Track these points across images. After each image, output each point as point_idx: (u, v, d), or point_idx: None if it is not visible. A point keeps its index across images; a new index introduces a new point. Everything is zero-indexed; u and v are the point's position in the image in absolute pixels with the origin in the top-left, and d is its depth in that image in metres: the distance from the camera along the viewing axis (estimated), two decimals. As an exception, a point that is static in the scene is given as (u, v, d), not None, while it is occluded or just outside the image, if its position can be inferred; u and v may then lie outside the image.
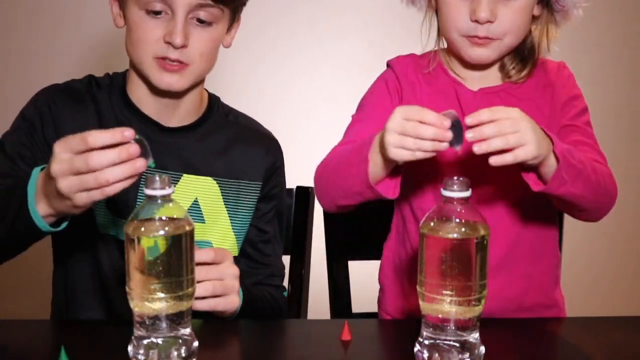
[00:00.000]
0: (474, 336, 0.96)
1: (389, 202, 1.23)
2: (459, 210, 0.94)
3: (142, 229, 0.93)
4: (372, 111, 1.31)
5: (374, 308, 1.44)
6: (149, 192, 0.93)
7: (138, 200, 1.28)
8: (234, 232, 1.37)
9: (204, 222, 1.34)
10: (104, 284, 1.31)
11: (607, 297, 2.60)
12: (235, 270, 1.16)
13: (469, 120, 1.04)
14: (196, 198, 1.33)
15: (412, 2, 1.33)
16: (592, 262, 2.60)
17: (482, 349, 0.97)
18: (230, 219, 1.36)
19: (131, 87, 1.33)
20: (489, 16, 1.21)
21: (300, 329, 1.25)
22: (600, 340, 1.13)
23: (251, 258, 1.40)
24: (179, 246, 0.94)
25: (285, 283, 1.47)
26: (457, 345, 0.95)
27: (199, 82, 1.33)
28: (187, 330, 0.97)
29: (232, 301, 1.16)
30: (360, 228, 1.55)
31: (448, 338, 0.95)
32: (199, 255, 1.10)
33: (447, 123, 1.03)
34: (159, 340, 0.95)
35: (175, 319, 0.95)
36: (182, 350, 0.96)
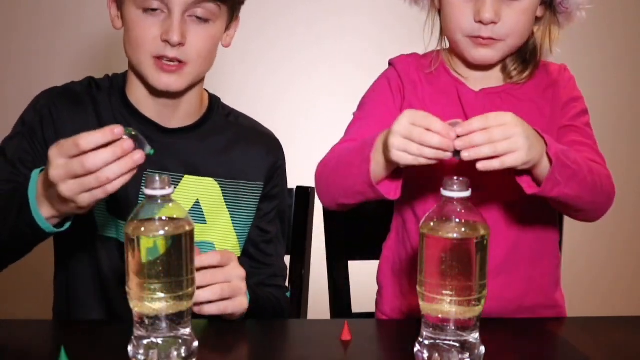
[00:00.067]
0: (474, 336, 0.96)
1: (389, 202, 1.23)
2: (459, 210, 0.94)
3: (142, 229, 0.93)
4: (373, 109, 1.31)
5: (374, 308, 1.44)
6: (149, 192, 0.93)
7: (138, 201, 1.28)
8: (235, 232, 1.37)
9: (206, 223, 1.34)
10: (104, 285, 1.31)
11: (607, 297, 2.60)
12: (241, 272, 1.16)
13: (459, 130, 1.04)
14: (197, 199, 1.33)
15: (415, 1, 1.34)
16: (592, 262, 2.60)
17: (482, 349, 0.97)
18: (231, 220, 1.36)
19: (130, 89, 1.33)
20: (493, 17, 1.21)
21: (300, 329, 1.25)
22: (600, 340, 1.13)
23: (253, 258, 1.40)
24: (179, 246, 0.94)
25: (286, 283, 1.47)
26: (457, 345, 0.95)
27: (198, 83, 1.33)
28: (187, 330, 0.97)
29: (240, 303, 1.15)
30: (360, 228, 1.55)
31: (448, 338, 0.95)
32: (205, 258, 1.10)
33: (453, 134, 1.04)
34: (159, 340, 0.95)
35: (175, 319, 0.95)
36: (182, 350, 0.96)
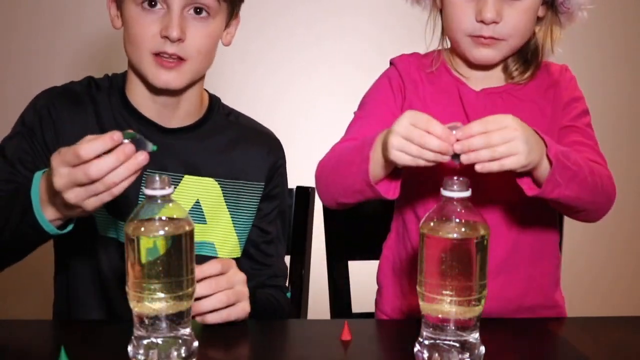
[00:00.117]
0: (474, 336, 0.96)
1: (389, 202, 1.23)
2: (459, 210, 0.94)
3: (142, 229, 0.93)
4: (374, 108, 1.31)
5: (374, 308, 1.44)
6: (149, 192, 0.93)
7: (138, 201, 1.28)
8: (236, 232, 1.37)
9: (206, 223, 1.34)
10: (104, 285, 1.31)
11: (607, 297, 2.60)
12: (242, 277, 1.15)
13: (459, 134, 1.04)
14: (197, 199, 1.33)
15: (417, 1, 1.34)
16: (592, 262, 2.60)
17: (482, 349, 0.97)
18: (232, 220, 1.36)
19: (130, 88, 1.33)
20: (495, 17, 1.21)
21: (300, 329, 1.25)
22: (600, 340, 1.13)
23: (253, 259, 1.40)
24: (179, 246, 0.94)
25: (286, 283, 1.47)
26: (457, 345, 0.95)
27: (198, 81, 1.33)
28: (187, 330, 0.97)
29: (242, 308, 1.15)
30: (360, 228, 1.55)
31: (448, 338, 0.95)
32: (207, 269, 1.10)
33: (453, 138, 1.04)
34: (159, 340, 0.95)
35: (175, 319, 0.95)
36: (182, 350, 0.96)
